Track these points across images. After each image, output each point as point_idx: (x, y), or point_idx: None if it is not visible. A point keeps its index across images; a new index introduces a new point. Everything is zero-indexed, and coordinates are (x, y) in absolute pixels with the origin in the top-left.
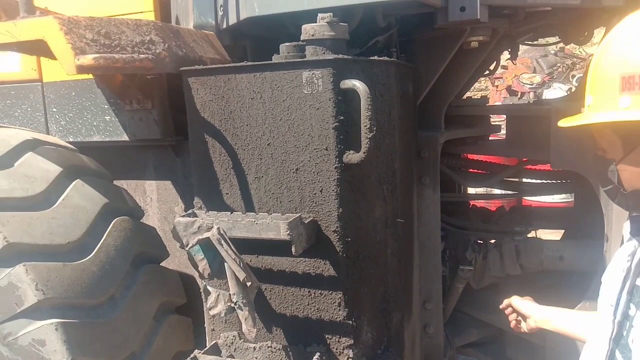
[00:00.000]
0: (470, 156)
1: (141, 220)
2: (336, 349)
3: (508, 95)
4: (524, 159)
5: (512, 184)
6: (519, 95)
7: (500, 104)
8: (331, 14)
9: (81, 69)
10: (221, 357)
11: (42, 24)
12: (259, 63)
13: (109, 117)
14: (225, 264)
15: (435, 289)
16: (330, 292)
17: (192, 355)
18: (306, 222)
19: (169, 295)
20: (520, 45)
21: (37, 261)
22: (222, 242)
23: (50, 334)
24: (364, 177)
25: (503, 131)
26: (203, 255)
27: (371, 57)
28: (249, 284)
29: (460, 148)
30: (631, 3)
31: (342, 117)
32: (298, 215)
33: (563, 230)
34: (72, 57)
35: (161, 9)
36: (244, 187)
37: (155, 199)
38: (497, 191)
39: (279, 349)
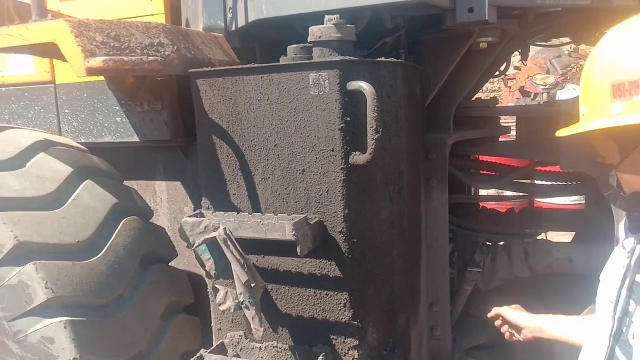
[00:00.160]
0: (481, 157)
1: (151, 220)
2: (341, 350)
3: (521, 96)
4: (534, 161)
5: (522, 185)
6: (532, 96)
7: (513, 104)
8: (338, 15)
9: (91, 71)
10: (227, 356)
11: (53, 27)
12: (266, 65)
13: (120, 119)
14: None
15: (443, 290)
16: (336, 292)
17: (198, 354)
18: (312, 222)
19: (177, 294)
20: (533, 46)
21: (47, 260)
22: (228, 242)
23: (59, 332)
24: (370, 178)
25: (513, 132)
26: (210, 255)
27: (378, 59)
28: (252, 284)
29: (469, 149)
30: None
31: (348, 119)
32: (304, 216)
33: (574, 233)
34: (82, 59)
35: (172, 11)
36: (251, 187)
37: (165, 199)
38: (508, 193)
39: (284, 349)
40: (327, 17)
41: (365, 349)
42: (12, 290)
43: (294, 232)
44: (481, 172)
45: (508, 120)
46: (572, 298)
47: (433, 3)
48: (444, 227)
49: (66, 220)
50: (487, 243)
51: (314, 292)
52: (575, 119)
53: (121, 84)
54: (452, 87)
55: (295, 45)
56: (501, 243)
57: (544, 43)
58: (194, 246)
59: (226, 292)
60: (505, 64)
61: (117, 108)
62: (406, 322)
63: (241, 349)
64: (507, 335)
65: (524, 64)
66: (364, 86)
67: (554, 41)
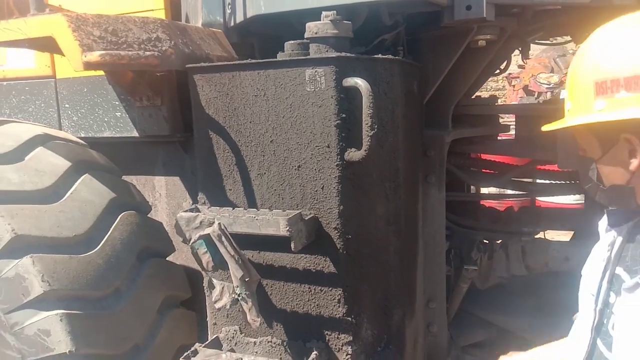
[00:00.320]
0: (483, 156)
1: (150, 215)
2: (335, 345)
3: (525, 95)
4: (533, 159)
5: (522, 184)
6: (535, 95)
7: (516, 103)
8: (334, 12)
9: (88, 66)
10: (222, 350)
11: (51, 22)
12: (263, 61)
13: (119, 114)
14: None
15: (439, 288)
16: (330, 288)
17: (192, 348)
18: (306, 218)
19: (174, 289)
20: (537, 45)
21: (44, 253)
22: (223, 238)
23: (55, 325)
24: (366, 174)
25: (513, 131)
26: (206, 249)
27: (375, 56)
28: (247, 279)
29: (468, 147)
30: None
31: (344, 115)
32: (298, 212)
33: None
34: (79, 53)
35: (172, 7)
36: (247, 183)
37: (164, 194)
38: (510, 191)
39: (278, 344)
40: (323, 13)
41: (359, 345)
42: (9, 283)
43: (288, 228)
44: (480, 170)
45: (509, 119)
46: (569, 297)
47: (431, 0)
48: (441, 224)
49: (64, 214)
50: (485, 241)
51: (309, 288)
52: None
53: (121, 79)
54: (450, 84)
55: (292, 42)
56: (499, 241)
57: (546, 42)
58: (190, 242)
59: (222, 288)
60: (506, 62)
61: (116, 103)
62: (401, 318)
63: (236, 343)
64: None
65: (524, 62)
66: (360, 83)
67: (558, 39)
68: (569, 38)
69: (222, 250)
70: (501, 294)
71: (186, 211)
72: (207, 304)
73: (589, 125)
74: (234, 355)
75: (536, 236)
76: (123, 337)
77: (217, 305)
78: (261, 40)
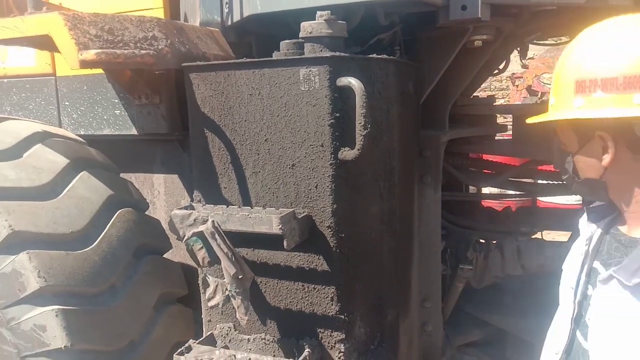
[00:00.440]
0: (484, 156)
1: (148, 213)
2: (328, 343)
3: (528, 95)
4: (531, 159)
5: (519, 184)
6: (539, 95)
7: (514, 103)
8: (329, 12)
9: (84, 64)
10: (216, 347)
11: (47, 20)
12: (258, 60)
13: (118, 111)
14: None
15: (435, 287)
16: (324, 286)
17: (186, 345)
18: (300, 217)
19: (171, 286)
20: (541, 46)
21: (41, 249)
22: (216, 235)
23: (51, 320)
24: (360, 174)
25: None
26: (202, 244)
27: (369, 55)
28: (240, 276)
29: (465, 147)
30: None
31: (338, 114)
32: (291, 210)
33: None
34: (75, 52)
35: (171, 6)
36: (242, 181)
37: (163, 192)
38: (510, 192)
39: (272, 341)
40: (318, 13)
41: (351, 343)
42: (5, 279)
43: (280, 226)
44: (477, 170)
45: (509, 119)
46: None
47: (426, 0)
48: (436, 224)
49: (60, 210)
50: (481, 241)
51: (302, 286)
52: None
53: (120, 77)
54: (447, 84)
55: (287, 41)
56: (495, 241)
57: (545, 42)
58: (184, 239)
59: (216, 286)
60: (505, 62)
61: (116, 101)
62: (395, 317)
63: (230, 340)
64: None
65: (522, 61)
66: (353, 82)
67: (562, 39)
68: (569, 38)
69: (215, 247)
70: (497, 293)
71: (180, 209)
72: (202, 301)
73: (568, 121)
74: (228, 352)
75: (533, 236)
76: (118, 333)
77: (210, 304)
78: (259, 40)
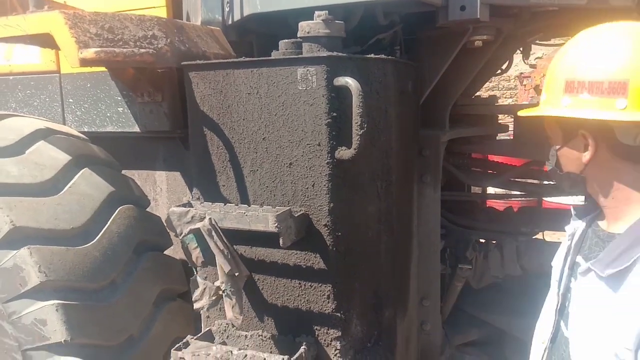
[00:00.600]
0: (490, 157)
1: (149, 210)
2: (324, 340)
3: (536, 95)
4: (532, 159)
5: (520, 184)
6: None
7: (514, 103)
8: (327, 11)
9: (84, 62)
10: (213, 343)
11: (48, 18)
12: (256, 59)
13: (121, 109)
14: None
15: (434, 286)
16: (320, 284)
17: (184, 340)
18: (296, 215)
19: (171, 282)
20: (550, 46)
21: (42, 245)
22: (213, 232)
23: (51, 315)
24: (357, 173)
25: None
26: (197, 244)
27: (367, 55)
28: (236, 274)
29: (466, 147)
30: None
31: (335, 114)
32: (288, 208)
33: None
34: (75, 50)
35: (173, 5)
36: (240, 179)
37: (165, 189)
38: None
39: (269, 338)
40: (316, 13)
41: (348, 341)
42: (7, 273)
43: (276, 224)
44: (479, 170)
45: (509, 119)
46: None
47: (425, 0)
48: (436, 223)
49: (62, 206)
50: (481, 240)
51: (299, 284)
52: None
53: (122, 75)
54: (447, 84)
55: (286, 40)
56: (495, 241)
57: (548, 42)
58: (181, 236)
59: (204, 289)
60: (508, 62)
61: (119, 98)
62: (393, 316)
63: (227, 336)
64: None
65: (525, 61)
66: (350, 82)
67: (554, 41)
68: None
69: (211, 245)
70: (496, 293)
71: (178, 206)
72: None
73: (555, 117)
74: (225, 348)
75: (534, 237)
76: (118, 328)
77: (196, 306)
78: (259, 39)
